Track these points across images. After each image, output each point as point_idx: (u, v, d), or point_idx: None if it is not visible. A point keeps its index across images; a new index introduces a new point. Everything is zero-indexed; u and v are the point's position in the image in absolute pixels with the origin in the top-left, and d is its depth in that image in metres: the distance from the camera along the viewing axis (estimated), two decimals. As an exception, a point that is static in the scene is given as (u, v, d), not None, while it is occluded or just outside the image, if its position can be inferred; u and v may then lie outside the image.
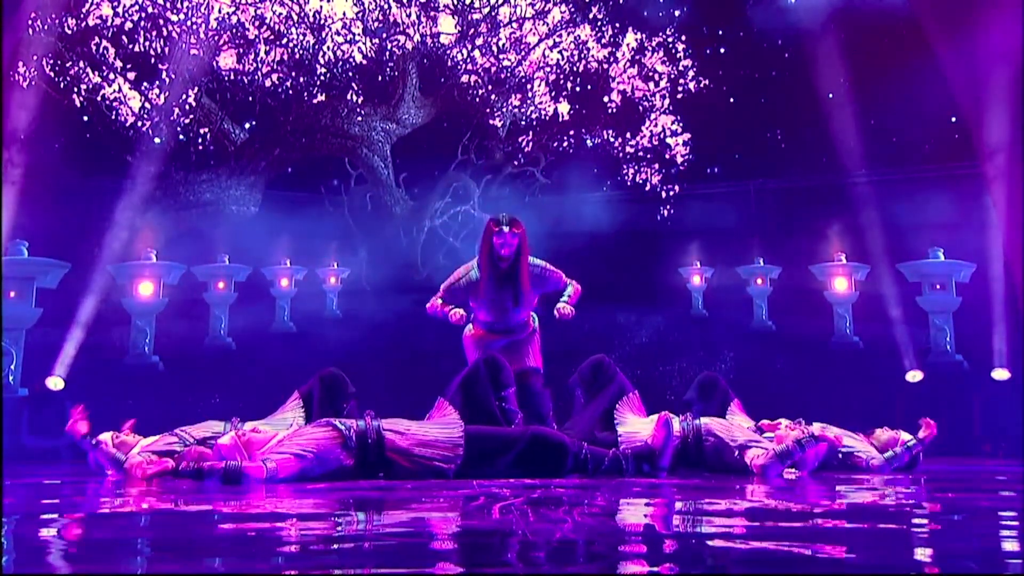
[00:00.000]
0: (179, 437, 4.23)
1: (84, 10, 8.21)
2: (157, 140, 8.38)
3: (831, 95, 8.97)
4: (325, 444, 3.84)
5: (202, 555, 1.97)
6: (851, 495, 3.42)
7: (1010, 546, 2.21)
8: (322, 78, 8.79)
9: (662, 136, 9.39)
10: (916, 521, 2.65)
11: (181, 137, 8.59)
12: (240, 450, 3.77)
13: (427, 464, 3.93)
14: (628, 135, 9.43)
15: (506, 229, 4.86)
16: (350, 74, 8.86)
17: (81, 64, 8.26)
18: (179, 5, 8.29)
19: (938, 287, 8.39)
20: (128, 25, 8.26)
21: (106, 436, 4.19)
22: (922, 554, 2.01)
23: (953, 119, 8.83)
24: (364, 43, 8.78)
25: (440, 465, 3.94)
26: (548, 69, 9.24)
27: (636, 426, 4.51)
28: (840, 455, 4.56)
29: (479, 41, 9.01)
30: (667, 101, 9.40)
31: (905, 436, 4.75)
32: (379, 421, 4.00)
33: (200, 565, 1.83)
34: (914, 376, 7.85)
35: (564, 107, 9.38)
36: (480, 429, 4.10)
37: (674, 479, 4.14)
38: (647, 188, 9.43)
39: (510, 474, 4.00)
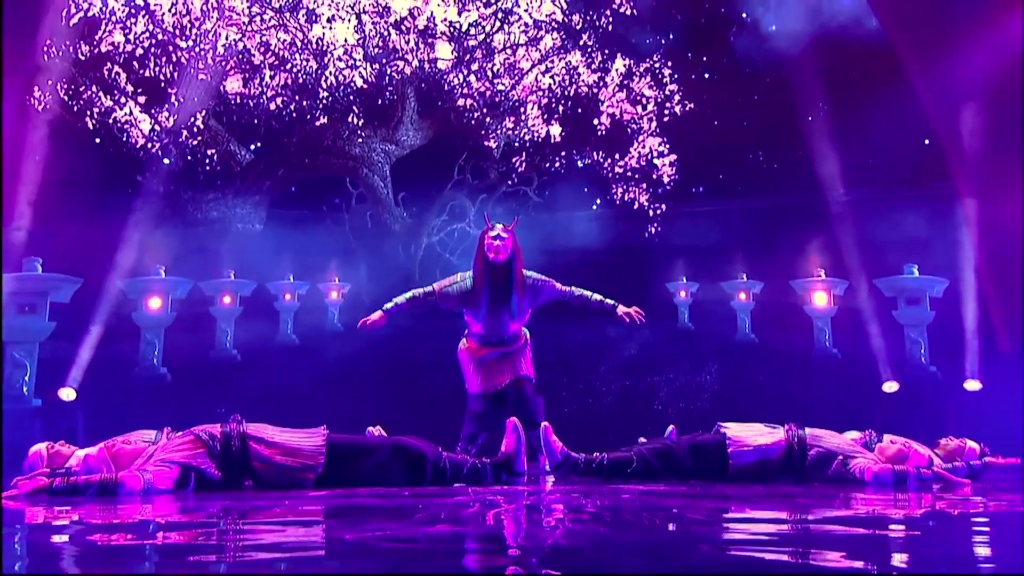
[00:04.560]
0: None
1: (97, 37, 8.39)
2: (166, 161, 8.58)
3: (810, 118, 9.16)
4: (190, 454, 3.79)
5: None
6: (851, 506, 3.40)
7: (983, 551, 2.28)
8: (324, 101, 8.93)
9: (649, 157, 9.53)
10: (892, 527, 2.68)
11: (189, 158, 8.77)
12: (107, 461, 3.75)
13: (288, 473, 3.90)
14: (617, 156, 9.58)
15: (499, 226, 5.05)
16: (351, 98, 9.01)
17: (94, 88, 8.44)
18: (188, 32, 8.44)
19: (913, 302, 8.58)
20: (139, 51, 8.43)
21: (40, 447, 4.07)
22: (898, 559, 2.05)
23: (927, 141, 9.03)
24: (365, 68, 8.92)
25: (300, 475, 3.91)
26: (540, 93, 9.40)
27: (742, 432, 4.44)
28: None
29: (474, 67, 9.17)
30: (654, 124, 9.54)
31: (971, 444, 4.64)
32: (244, 426, 3.95)
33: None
34: (890, 387, 7.91)
35: (556, 129, 9.52)
36: (343, 437, 4.09)
37: (680, 487, 4.03)
38: (635, 207, 9.56)
39: (371, 482, 3.95)
